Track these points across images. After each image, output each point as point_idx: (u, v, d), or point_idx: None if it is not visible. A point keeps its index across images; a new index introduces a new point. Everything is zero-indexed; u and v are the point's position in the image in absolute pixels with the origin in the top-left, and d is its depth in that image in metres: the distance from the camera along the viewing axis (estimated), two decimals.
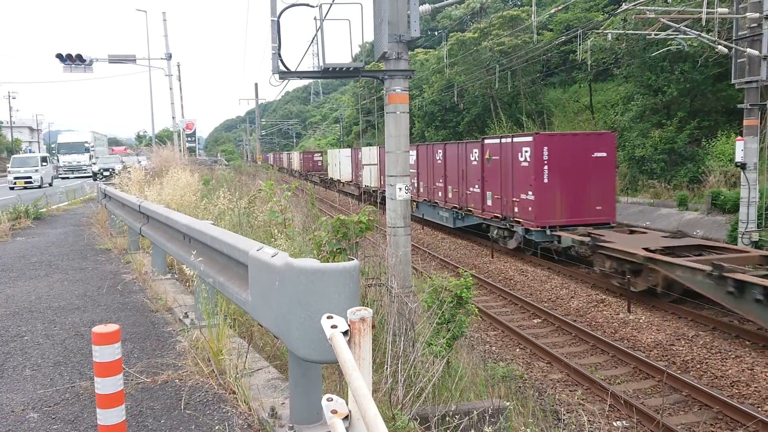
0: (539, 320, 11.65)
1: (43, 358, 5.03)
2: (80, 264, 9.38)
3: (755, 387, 8.06)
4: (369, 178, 30.62)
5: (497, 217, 17.18)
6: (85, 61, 25.66)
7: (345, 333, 2.39)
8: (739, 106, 14.73)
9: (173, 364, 4.74)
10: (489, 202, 17.72)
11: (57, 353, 5.15)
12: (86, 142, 47.07)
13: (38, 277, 8.44)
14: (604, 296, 12.45)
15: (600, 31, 23.42)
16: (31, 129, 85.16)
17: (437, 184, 22.15)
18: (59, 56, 25.27)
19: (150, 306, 6.60)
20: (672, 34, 16.19)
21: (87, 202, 20.53)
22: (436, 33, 53.61)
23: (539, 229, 15.15)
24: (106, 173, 36.85)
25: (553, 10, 29.21)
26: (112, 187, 14.58)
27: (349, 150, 39.82)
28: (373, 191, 28.99)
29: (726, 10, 14.87)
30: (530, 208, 15.38)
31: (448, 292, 6.23)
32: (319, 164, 52.65)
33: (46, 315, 6.39)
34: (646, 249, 11.71)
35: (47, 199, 18.07)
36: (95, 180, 34.14)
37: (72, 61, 25.47)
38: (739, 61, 14.04)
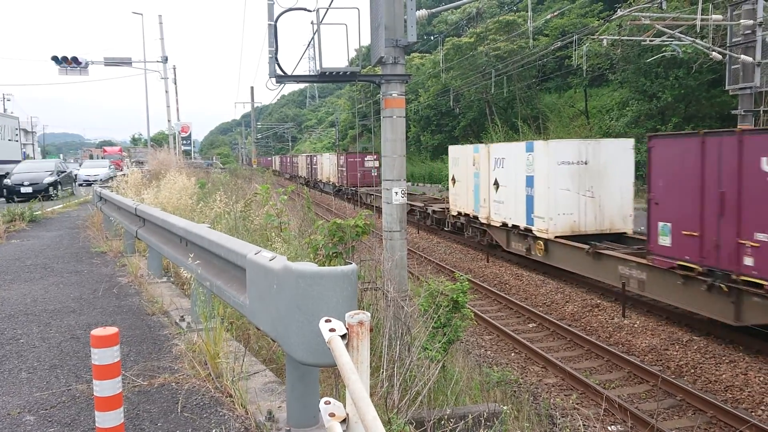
0: (534, 324, 11.68)
1: (39, 361, 5.02)
2: (76, 267, 9.36)
3: (749, 392, 8.10)
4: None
5: None
6: (80, 63, 25.64)
7: (343, 336, 2.40)
8: (733, 112, 14.85)
9: (170, 368, 4.74)
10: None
11: (53, 356, 5.14)
12: None
13: (33, 279, 8.41)
14: (599, 301, 12.49)
15: (595, 36, 23.54)
16: (25, 131, 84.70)
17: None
18: (55, 58, 25.24)
19: (146, 309, 6.60)
20: (667, 41, 16.31)
21: (82, 205, 20.47)
22: (432, 37, 53.74)
23: None
24: None
25: (548, 16, 29.41)
26: (108, 190, 14.55)
27: (524, 144, 15.02)
28: None
29: (720, 17, 15.00)
30: None
31: (443, 297, 6.25)
32: (375, 174, 32.76)
33: (42, 318, 6.38)
34: None
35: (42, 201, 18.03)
36: None
37: (68, 63, 25.44)
38: (733, 67, 14.15)
